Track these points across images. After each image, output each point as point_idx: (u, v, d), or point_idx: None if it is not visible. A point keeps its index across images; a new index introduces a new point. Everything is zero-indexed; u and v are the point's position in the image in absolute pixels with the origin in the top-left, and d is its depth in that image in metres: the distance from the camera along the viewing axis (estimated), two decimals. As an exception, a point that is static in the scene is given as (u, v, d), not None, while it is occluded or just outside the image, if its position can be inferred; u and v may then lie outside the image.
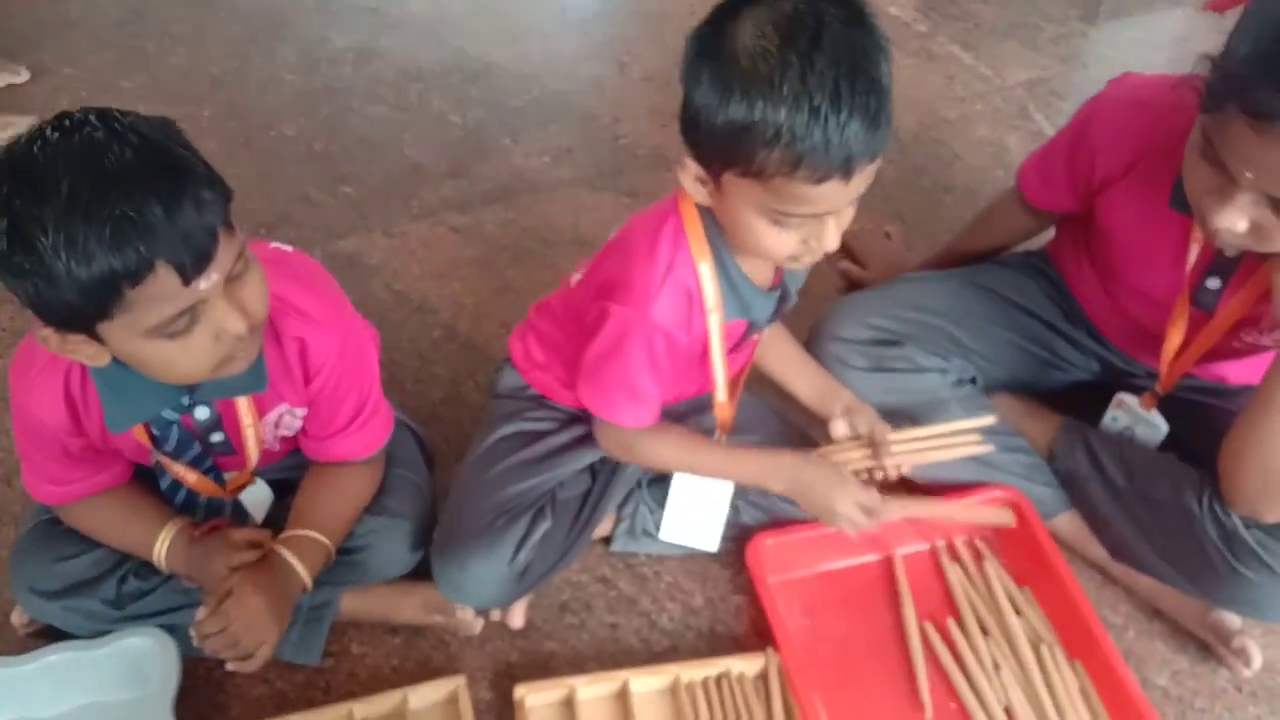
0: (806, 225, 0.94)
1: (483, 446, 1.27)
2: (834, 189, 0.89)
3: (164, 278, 0.85)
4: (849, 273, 1.74)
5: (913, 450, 1.24)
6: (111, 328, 0.88)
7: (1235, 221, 0.99)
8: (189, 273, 0.86)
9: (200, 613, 1.06)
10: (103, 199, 0.81)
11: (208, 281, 0.88)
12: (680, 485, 1.28)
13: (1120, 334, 1.36)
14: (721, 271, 1.06)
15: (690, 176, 0.97)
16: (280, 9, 2.36)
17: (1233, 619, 1.27)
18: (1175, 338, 1.23)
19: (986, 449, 1.25)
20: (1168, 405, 1.33)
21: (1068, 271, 1.41)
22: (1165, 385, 1.29)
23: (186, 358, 0.93)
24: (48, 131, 0.85)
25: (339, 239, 1.80)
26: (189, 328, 0.90)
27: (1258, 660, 1.25)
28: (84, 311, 0.86)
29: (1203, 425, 1.22)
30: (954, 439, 1.25)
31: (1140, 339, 1.30)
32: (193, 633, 1.07)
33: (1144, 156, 1.15)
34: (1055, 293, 1.42)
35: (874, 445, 1.22)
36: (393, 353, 1.59)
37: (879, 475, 1.23)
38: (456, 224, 1.84)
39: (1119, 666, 1.21)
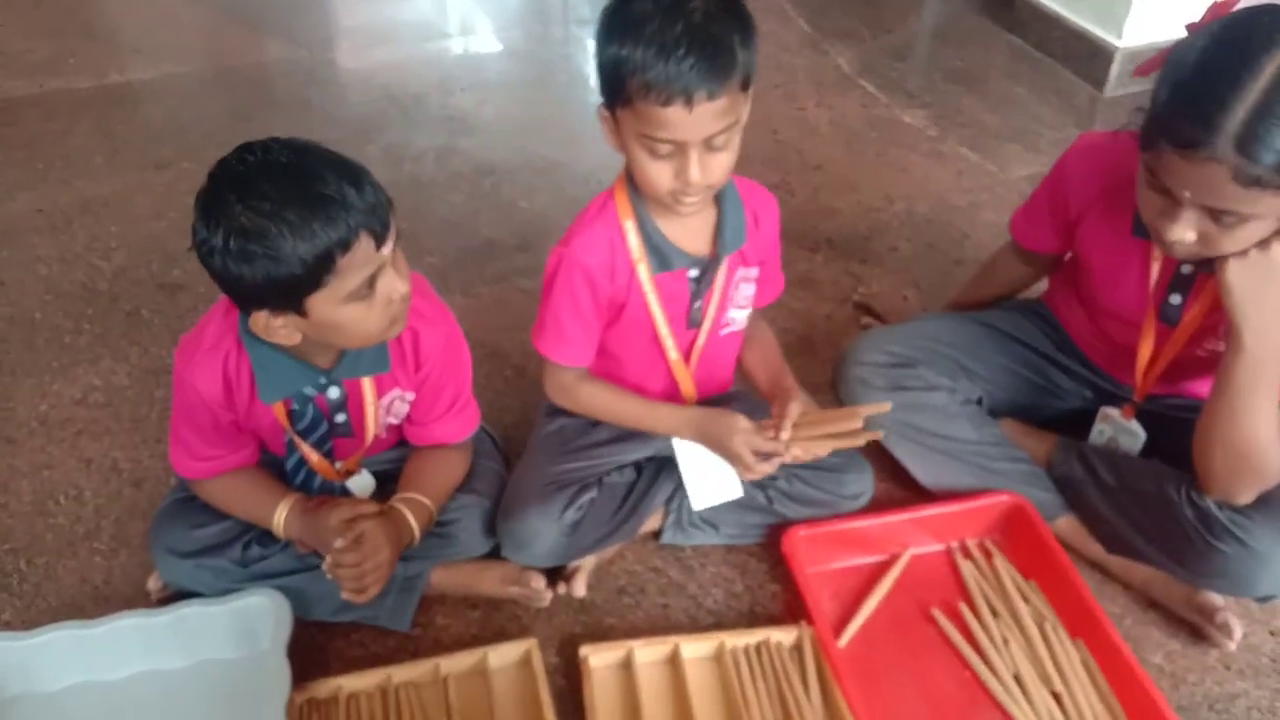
0: (674, 158, 1.18)
1: (536, 439, 1.51)
2: (679, 114, 1.13)
3: (364, 244, 1.10)
4: (872, 328, 1.96)
5: (807, 437, 1.36)
6: (319, 298, 1.11)
7: (1184, 234, 1.19)
8: (380, 239, 1.11)
9: (339, 543, 1.25)
10: (311, 189, 1.06)
11: (388, 247, 1.13)
12: (684, 455, 1.44)
13: (1104, 357, 1.56)
14: (641, 228, 1.33)
15: (603, 120, 1.24)
16: (369, 116, 2.70)
17: (1215, 598, 1.41)
18: (1146, 350, 1.42)
19: (876, 435, 1.38)
20: (1156, 423, 1.50)
21: (1059, 310, 1.62)
22: (1140, 394, 1.48)
23: (371, 317, 1.16)
24: (245, 155, 1.09)
25: (422, 297, 2.05)
26: (371, 292, 1.14)
27: (1239, 632, 1.39)
28: (303, 283, 1.09)
29: (1183, 436, 1.38)
30: (849, 426, 1.37)
31: (1121, 358, 1.49)
32: (326, 562, 1.26)
33: (1107, 192, 1.37)
34: (1049, 329, 1.62)
35: (777, 418, 1.36)
36: (470, 387, 1.81)
37: (779, 455, 1.36)
38: (525, 287, 2.10)
39: (1117, 642, 1.34)
